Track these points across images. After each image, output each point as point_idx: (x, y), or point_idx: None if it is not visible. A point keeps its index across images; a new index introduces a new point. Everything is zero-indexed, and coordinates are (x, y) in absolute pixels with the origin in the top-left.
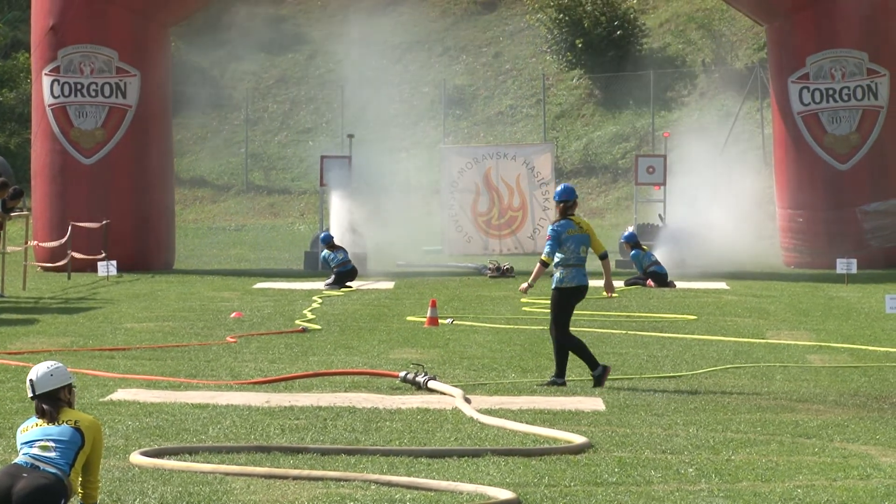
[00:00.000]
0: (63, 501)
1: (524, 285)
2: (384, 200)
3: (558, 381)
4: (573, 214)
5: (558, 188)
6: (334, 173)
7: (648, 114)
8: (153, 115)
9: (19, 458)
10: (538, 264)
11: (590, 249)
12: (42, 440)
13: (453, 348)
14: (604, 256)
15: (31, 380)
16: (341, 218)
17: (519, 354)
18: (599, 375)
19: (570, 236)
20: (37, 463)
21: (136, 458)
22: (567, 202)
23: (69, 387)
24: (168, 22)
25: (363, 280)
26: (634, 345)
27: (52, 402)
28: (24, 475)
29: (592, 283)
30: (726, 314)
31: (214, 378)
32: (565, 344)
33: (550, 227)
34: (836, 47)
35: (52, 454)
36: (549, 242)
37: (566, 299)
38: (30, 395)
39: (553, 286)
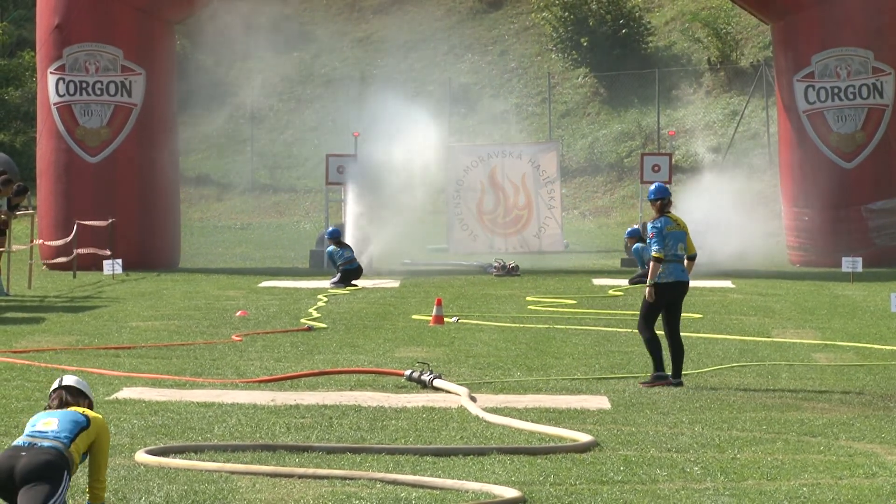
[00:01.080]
0: (66, 474)
1: (648, 290)
2: (389, 198)
3: (660, 375)
4: (670, 212)
5: (651, 187)
6: (348, 172)
7: (654, 112)
8: (158, 114)
9: (18, 440)
10: (652, 263)
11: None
12: (45, 419)
13: (459, 347)
14: (692, 258)
15: (61, 378)
16: (354, 216)
17: (524, 353)
18: (652, 381)
19: (670, 233)
20: (34, 440)
21: (141, 456)
22: (664, 199)
23: (90, 401)
24: (173, 19)
25: (368, 279)
26: (640, 343)
27: (72, 396)
28: (24, 454)
29: (601, 282)
30: (731, 312)
31: (220, 376)
32: (649, 338)
33: (651, 225)
34: (841, 46)
35: (53, 428)
36: (654, 240)
37: (660, 295)
38: (55, 386)
39: (649, 281)
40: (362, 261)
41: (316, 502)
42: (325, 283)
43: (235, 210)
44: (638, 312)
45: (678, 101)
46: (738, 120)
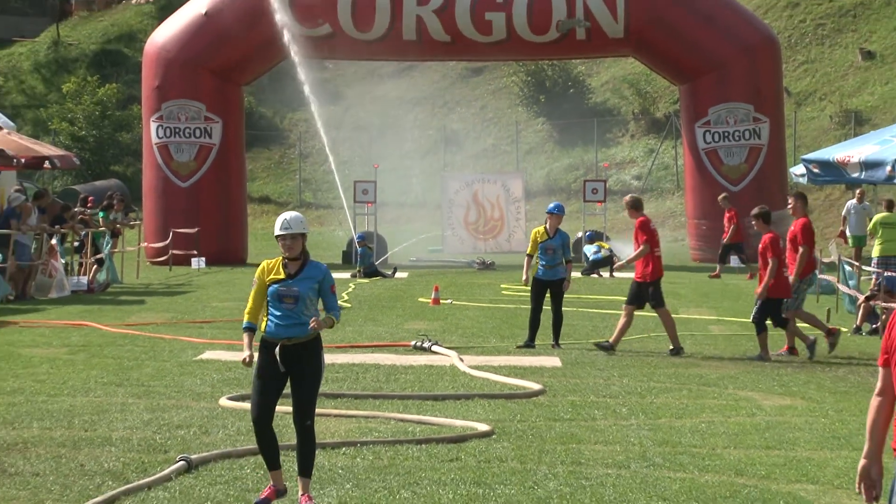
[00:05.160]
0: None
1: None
2: (400, 213)
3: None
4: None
5: (553, 205)
6: (368, 194)
7: (593, 150)
8: (231, 151)
9: None
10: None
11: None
12: None
13: (451, 321)
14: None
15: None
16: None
17: (499, 326)
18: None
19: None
20: None
21: (223, 401)
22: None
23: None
24: (242, 82)
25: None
26: (582, 318)
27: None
28: None
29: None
30: None
31: None
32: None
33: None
34: (730, 101)
35: None
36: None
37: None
38: None
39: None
40: (379, 262)
41: (347, 434)
42: (347, 275)
43: None
44: (572, 296)
45: (611, 142)
46: (655, 156)
